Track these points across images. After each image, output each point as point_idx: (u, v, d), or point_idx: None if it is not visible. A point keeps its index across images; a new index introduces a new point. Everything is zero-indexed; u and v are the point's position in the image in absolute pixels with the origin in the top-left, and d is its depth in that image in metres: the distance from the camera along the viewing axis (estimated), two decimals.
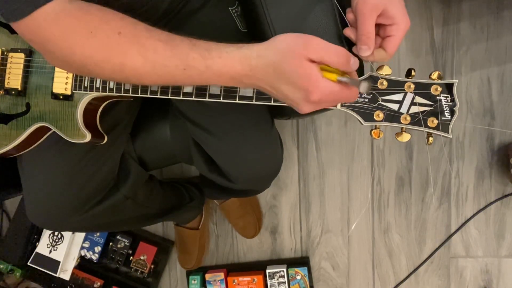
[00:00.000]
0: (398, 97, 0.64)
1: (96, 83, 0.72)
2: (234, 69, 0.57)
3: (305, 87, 0.54)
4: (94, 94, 0.73)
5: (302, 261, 1.40)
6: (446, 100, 0.63)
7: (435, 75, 0.63)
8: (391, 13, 0.63)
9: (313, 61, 0.54)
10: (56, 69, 0.74)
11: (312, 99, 0.55)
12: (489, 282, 1.35)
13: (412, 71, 0.63)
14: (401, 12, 0.63)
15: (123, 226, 1.17)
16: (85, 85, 0.72)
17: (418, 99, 0.63)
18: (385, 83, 0.63)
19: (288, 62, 0.54)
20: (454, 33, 1.29)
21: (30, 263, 1.36)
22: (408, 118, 0.64)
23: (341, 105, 0.65)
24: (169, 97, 0.69)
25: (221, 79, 0.59)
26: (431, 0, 1.29)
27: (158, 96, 0.70)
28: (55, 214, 0.88)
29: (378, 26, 0.64)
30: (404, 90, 0.63)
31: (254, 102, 0.67)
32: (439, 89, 0.62)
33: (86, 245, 1.40)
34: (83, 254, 1.40)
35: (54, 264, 1.36)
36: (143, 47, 0.58)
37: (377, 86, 0.64)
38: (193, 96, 0.68)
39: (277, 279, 1.34)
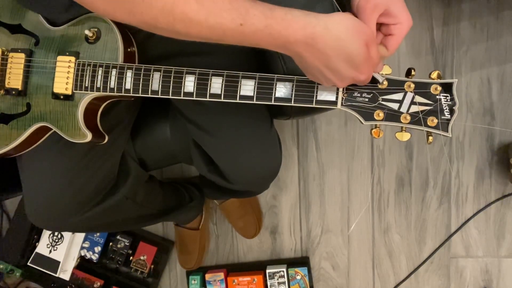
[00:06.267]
0: (398, 96, 0.64)
1: (96, 83, 0.72)
2: (294, 35, 0.56)
3: (359, 66, 0.58)
4: (95, 94, 0.73)
5: (302, 261, 1.40)
6: (445, 100, 0.63)
7: (434, 75, 0.63)
8: (394, 12, 0.62)
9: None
10: (57, 69, 0.74)
11: (360, 78, 0.59)
12: (489, 282, 1.35)
13: (412, 70, 0.63)
14: (403, 11, 0.63)
15: (123, 226, 1.17)
16: (86, 85, 0.72)
17: (418, 99, 0.63)
18: (385, 82, 0.64)
19: (356, 42, 0.57)
20: (454, 33, 1.29)
21: (30, 263, 1.36)
22: (408, 117, 0.64)
23: (342, 105, 0.66)
24: (170, 97, 0.69)
25: (275, 42, 0.57)
26: (431, 0, 1.29)
27: (159, 96, 0.70)
28: (54, 215, 0.88)
29: (380, 23, 0.64)
30: (404, 89, 0.63)
31: (254, 101, 0.67)
32: (439, 88, 0.62)
33: (86, 245, 1.40)
34: (83, 254, 1.40)
35: (54, 264, 1.36)
36: None
37: (377, 86, 0.64)
38: (194, 96, 0.68)
39: (277, 279, 1.34)
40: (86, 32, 0.72)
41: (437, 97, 0.63)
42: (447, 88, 0.62)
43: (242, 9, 0.55)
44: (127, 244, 1.39)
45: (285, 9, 0.56)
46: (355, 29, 0.57)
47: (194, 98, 0.69)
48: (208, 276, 1.38)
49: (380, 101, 0.64)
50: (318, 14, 0.57)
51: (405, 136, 0.65)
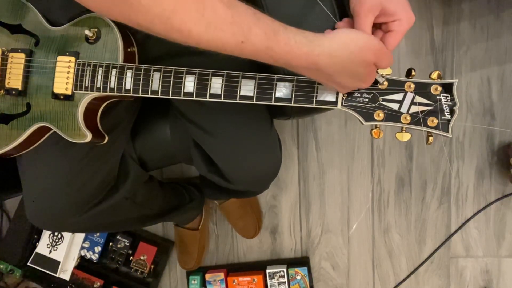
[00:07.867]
0: (398, 96, 0.64)
1: (96, 83, 0.72)
2: (296, 61, 0.56)
3: (363, 79, 0.61)
4: (95, 94, 0.73)
5: (302, 261, 1.40)
6: (446, 100, 0.63)
7: (435, 75, 0.63)
8: (391, 10, 0.62)
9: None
10: (57, 69, 0.74)
11: (362, 87, 0.63)
12: (489, 282, 1.35)
13: (412, 71, 0.63)
14: (402, 8, 0.63)
15: (123, 226, 1.17)
16: (86, 85, 0.72)
17: (418, 99, 0.63)
18: (385, 83, 0.64)
19: (361, 65, 0.58)
20: (454, 33, 1.29)
21: (30, 263, 1.36)
22: (408, 118, 0.64)
23: (342, 105, 0.65)
24: (170, 97, 0.69)
25: (276, 63, 0.57)
26: (431, 0, 1.29)
27: (159, 96, 0.70)
28: (54, 215, 0.88)
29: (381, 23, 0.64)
30: (404, 90, 0.63)
31: (254, 102, 0.67)
32: (439, 88, 0.62)
33: (86, 245, 1.40)
34: (83, 254, 1.40)
35: (54, 264, 1.36)
36: (202, 3, 0.52)
37: (377, 86, 0.64)
38: (194, 96, 0.68)
39: (277, 279, 1.34)
40: (86, 32, 0.72)
41: (437, 97, 0.63)
42: (447, 88, 0.62)
43: (244, 26, 0.54)
44: (127, 244, 1.39)
45: (289, 32, 0.55)
46: (361, 53, 0.57)
47: (194, 98, 0.69)
48: (208, 276, 1.38)
49: (380, 102, 0.64)
50: (321, 40, 0.56)
51: (405, 137, 0.65)
